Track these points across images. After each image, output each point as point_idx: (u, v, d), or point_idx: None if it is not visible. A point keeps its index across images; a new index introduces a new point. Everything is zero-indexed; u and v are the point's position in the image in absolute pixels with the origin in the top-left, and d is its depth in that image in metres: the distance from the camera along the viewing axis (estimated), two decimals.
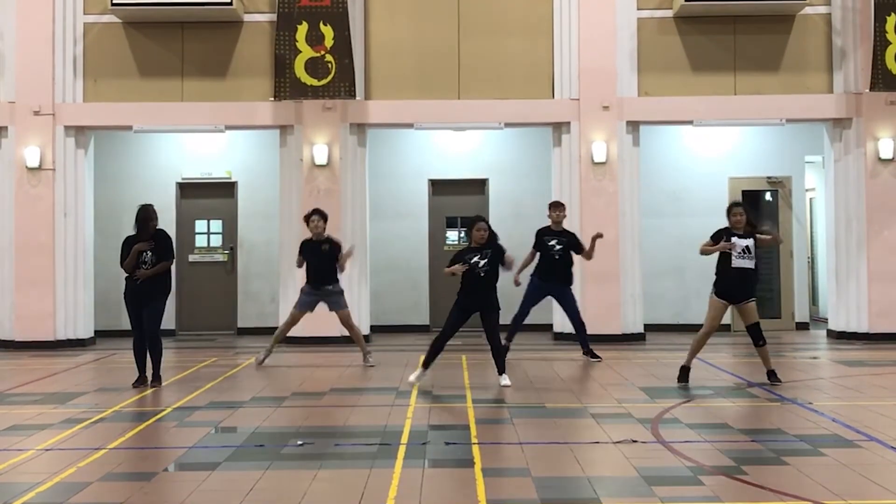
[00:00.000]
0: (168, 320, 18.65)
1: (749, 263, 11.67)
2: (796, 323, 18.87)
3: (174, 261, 12.31)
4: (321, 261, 13.81)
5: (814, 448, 8.25)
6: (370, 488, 7.09)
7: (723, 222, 18.53)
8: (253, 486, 7.19)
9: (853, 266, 16.96)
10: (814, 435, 8.80)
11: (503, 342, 14.40)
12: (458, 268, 11.69)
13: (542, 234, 14.41)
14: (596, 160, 16.83)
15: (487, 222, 12.00)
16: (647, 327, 17.31)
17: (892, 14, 16.24)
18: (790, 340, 17.20)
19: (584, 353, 14.37)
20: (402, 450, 8.31)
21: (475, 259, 11.69)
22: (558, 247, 14.21)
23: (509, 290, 14.47)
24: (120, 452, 8.42)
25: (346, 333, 14.51)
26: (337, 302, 14.01)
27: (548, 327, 17.47)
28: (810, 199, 20.59)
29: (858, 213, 16.92)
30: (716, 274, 11.90)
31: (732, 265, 11.64)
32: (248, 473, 7.56)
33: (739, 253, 11.62)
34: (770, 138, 18.82)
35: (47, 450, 8.50)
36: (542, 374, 13.02)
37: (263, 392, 11.87)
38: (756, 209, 19.17)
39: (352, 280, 16.96)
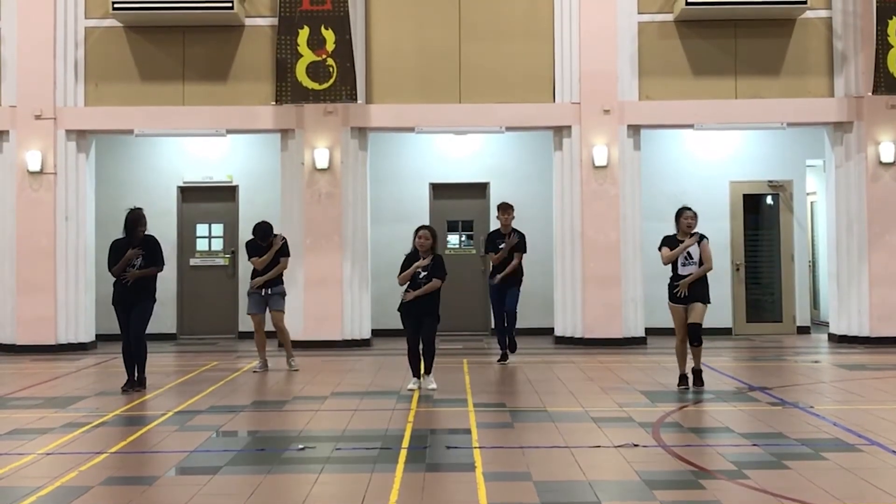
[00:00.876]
0: (169, 324, 18.83)
1: (692, 269, 11.73)
2: (797, 327, 18.85)
3: (164, 267, 12.32)
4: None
5: (815, 452, 8.25)
6: (371, 493, 7.09)
7: (724, 227, 18.74)
8: (254, 490, 7.20)
9: (854, 270, 16.95)
10: (815, 439, 8.80)
11: (503, 356, 14.45)
12: (407, 273, 11.84)
13: (494, 238, 14.57)
14: (597, 164, 16.83)
15: (431, 230, 12.12)
16: (649, 331, 17.28)
17: (894, 17, 16.23)
18: (791, 344, 17.20)
19: (505, 357, 14.50)
20: (403, 454, 8.31)
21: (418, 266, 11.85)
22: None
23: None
24: (121, 456, 8.43)
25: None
26: (276, 302, 14.03)
27: (549, 331, 17.49)
28: (811, 202, 20.59)
29: (860, 217, 16.92)
30: (669, 280, 11.96)
31: (679, 272, 11.77)
32: (250, 478, 7.57)
33: (684, 260, 11.74)
34: (771, 142, 18.83)
35: (48, 454, 8.51)
36: (543, 378, 13.02)
37: (264, 396, 11.89)
38: (757, 213, 19.23)
39: (353, 284, 16.99)
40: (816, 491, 7.00)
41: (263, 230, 13.98)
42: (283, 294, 14.10)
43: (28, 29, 16.87)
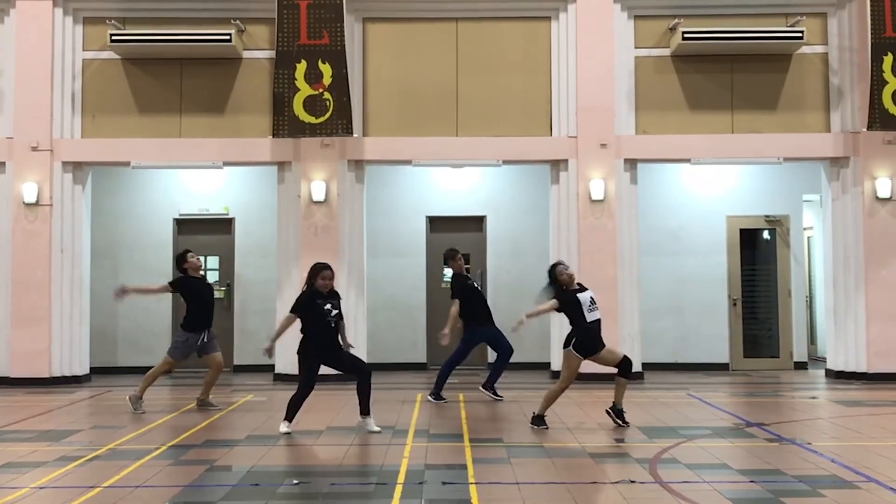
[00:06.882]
0: (163, 357, 18.72)
1: (598, 314, 11.55)
2: (794, 362, 18.81)
3: None
4: (209, 298, 13.75)
5: (813, 489, 8.19)
6: None
7: (721, 261, 18.74)
8: None
9: (851, 305, 16.93)
10: (813, 476, 8.74)
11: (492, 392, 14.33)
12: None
13: (466, 279, 14.68)
14: (594, 197, 16.83)
15: (331, 268, 11.26)
16: (645, 366, 17.24)
17: (889, 54, 16.31)
18: (788, 380, 17.14)
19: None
20: (398, 489, 8.25)
21: (327, 307, 11.10)
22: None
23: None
24: (115, 491, 8.35)
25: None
26: (215, 345, 13.63)
27: (545, 365, 17.42)
28: (808, 237, 20.60)
29: (856, 252, 16.92)
30: (573, 329, 11.53)
31: (588, 320, 11.43)
32: None
33: (590, 307, 11.46)
34: (768, 177, 18.86)
35: (41, 488, 8.44)
36: None
37: (259, 431, 11.80)
38: (754, 248, 19.23)
39: (349, 318, 16.89)
40: None
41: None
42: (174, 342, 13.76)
43: (26, 60, 16.91)
